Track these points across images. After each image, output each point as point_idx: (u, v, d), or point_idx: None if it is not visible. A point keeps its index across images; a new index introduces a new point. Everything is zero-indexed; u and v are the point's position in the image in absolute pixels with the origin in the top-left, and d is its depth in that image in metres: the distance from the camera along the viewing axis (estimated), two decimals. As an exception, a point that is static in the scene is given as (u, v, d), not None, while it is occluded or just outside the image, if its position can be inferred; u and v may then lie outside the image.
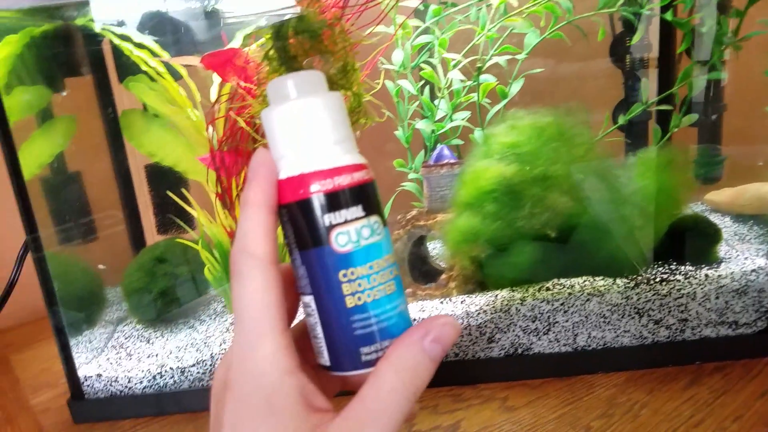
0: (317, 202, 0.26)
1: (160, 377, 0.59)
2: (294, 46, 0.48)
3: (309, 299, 0.27)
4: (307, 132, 0.26)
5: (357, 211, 0.26)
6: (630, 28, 0.65)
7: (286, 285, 0.27)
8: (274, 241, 0.26)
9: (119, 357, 0.62)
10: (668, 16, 0.58)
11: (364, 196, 0.26)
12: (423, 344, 0.25)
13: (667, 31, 0.65)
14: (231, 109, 0.57)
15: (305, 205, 0.26)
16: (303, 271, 0.27)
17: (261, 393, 0.24)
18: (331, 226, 0.26)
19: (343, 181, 0.26)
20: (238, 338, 0.25)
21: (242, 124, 0.49)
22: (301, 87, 0.27)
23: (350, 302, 0.26)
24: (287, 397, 0.24)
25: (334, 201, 0.26)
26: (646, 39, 0.67)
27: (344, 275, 0.26)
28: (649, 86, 0.63)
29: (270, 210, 0.26)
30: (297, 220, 0.26)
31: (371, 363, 0.26)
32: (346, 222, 0.26)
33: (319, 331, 0.27)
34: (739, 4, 0.59)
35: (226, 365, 0.26)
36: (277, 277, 0.25)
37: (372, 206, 0.27)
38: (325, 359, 0.27)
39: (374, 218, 0.27)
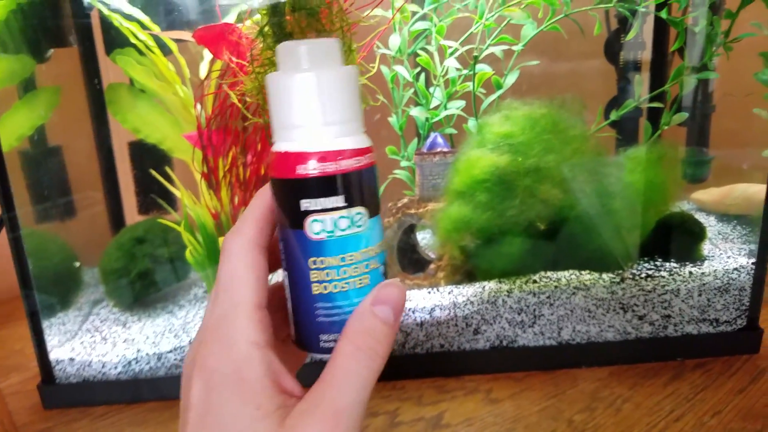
0: (295, 185, 0.25)
1: (136, 363, 0.57)
2: (290, 22, 0.47)
3: (284, 275, 0.27)
4: (302, 108, 0.25)
5: (337, 200, 0.25)
6: (625, 25, 0.65)
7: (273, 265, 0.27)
8: (265, 230, 0.27)
9: (94, 341, 0.60)
10: (663, 14, 0.58)
11: (348, 186, 0.25)
12: (372, 309, 0.25)
13: (661, 29, 0.66)
14: (222, 86, 0.56)
15: (285, 185, 0.25)
16: (281, 246, 0.27)
17: (230, 364, 0.24)
18: (307, 212, 0.25)
19: (327, 167, 0.24)
20: (211, 311, 0.25)
21: (234, 99, 0.48)
22: (313, 58, 0.25)
23: (316, 289, 0.26)
24: (255, 369, 0.24)
25: (313, 187, 0.25)
26: (640, 37, 0.67)
27: (314, 262, 0.25)
28: (642, 83, 0.63)
29: (269, 203, 0.27)
30: (279, 197, 0.26)
31: (329, 350, 0.26)
32: (323, 210, 0.25)
33: (289, 306, 0.27)
34: (732, 6, 0.59)
35: (197, 343, 0.26)
36: (261, 260, 0.26)
37: (357, 197, 0.25)
38: (292, 332, 0.28)
39: (357, 209, 0.25)
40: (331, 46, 0.25)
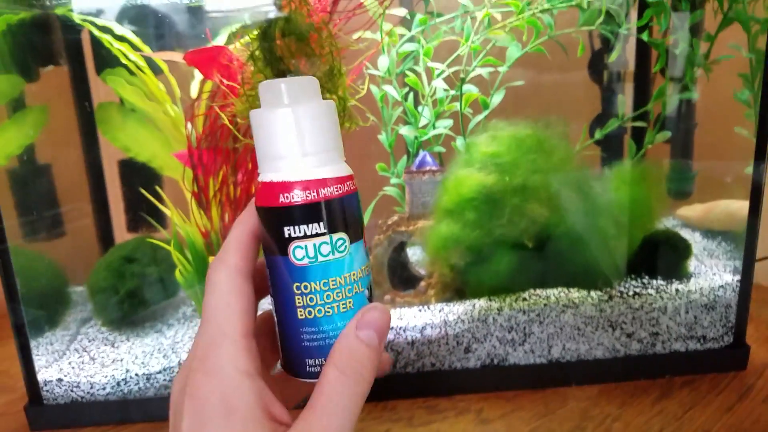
0: (279, 213, 0.26)
1: (125, 383, 0.56)
2: (280, 47, 0.48)
3: (271, 301, 0.28)
4: (283, 141, 0.26)
5: (318, 227, 0.26)
6: (608, 45, 0.67)
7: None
8: (249, 257, 0.27)
9: (82, 361, 0.60)
10: (644, 36, 0.60)
11: (329, 213, 0.26)
12: (355, 333, 0.26)
13: (643, 50, 0.67)
14: (213, 107, 0.56)
15: (270, 213, 0.26)
16: (268, 273, 0.27)
17: (219, 393, 0.24)
18: (290, 239, 0.26)
19: (307, 196, 0.25)
20: (200, 340, 0.26)
21: (225, 120, 0.48)
22: (291, 94, 0.26)
23: (301, 314, 0.26)
24: (245, 398, 0.24)
25: (295, 215, 0.26)
26: (623, 56, 0.69)
27: (297, 288, 0.26)
28: (625, 102, 0.64)
29: (251, 230, 0.27)
30: (265, 225, 0.27)
31: (314, 375, 0.27)
32: (305, 237, 0.26)
33: (277, 331, 0.28)
34: (711, 28, 0.61)
35: (185, 372, 0.26)
36: (246, 288, 0.26)
37: (338, 223, 0.26)
38: (281, 357, 0.29)
39: (338, 236, 0.26)
40: (309, 83, 0.27)
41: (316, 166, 0.26)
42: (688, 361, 0.59)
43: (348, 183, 0.27)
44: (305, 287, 0.26)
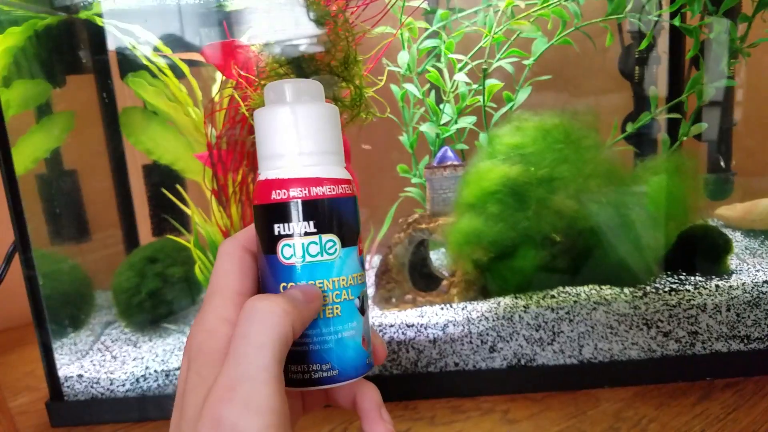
0: (270, 210, 0.25)
1: (144, 380, 0.56)
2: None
3: None
4: (281, 139, 0.26)
5: (307, 226, 0.25)
6: (639, 40, 0.64)
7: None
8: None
9: (103, 359, 0.60)
10: (676, 21, 0.57)
11: (320, 213, 0.25)
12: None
13: (676, 39, 0.64)
14: (231, 102, 0.56)
15: (262, 210, 0.26)
16: (260, 273, 0.27)
17: (199, 339, 0.25)
18: (279, 236, 0.25)
19: (299, 193, 0.25)
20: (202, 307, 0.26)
21: (244, 110, 0.48)
22: (294, 94, 0.26)
23: None
24: (216, 342, 0.24)
25: (285, 212, 0.25)
26: (655, 51, 0.66)
27: (284, 287, 0.25)
28: (657, 96, 0.62)
29: None
30: (258, 223, 0.26)
31: (295, 383, 0.25)
32: (294, 235, 0.25)
33: None
34: (747, 9, 0.58)
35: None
36: (247, 258, 0.27)
37: (329, 224, 0.25)
38: None
39: (328, 237, 0.25)
40: (314, 86, 0.27)
41: (311, 165, 0.26)
42: (731, 363, 0.55)
43: (344, 186, 0.26)
44: (291, 288, 0.25)
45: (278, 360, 0.22)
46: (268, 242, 0.25)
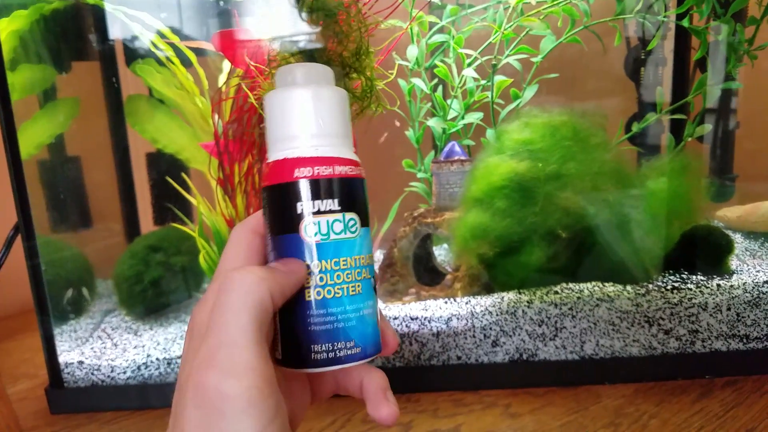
0: (293, 188, 0.25)
1: (145, 368, 0.56)
2: (308, 22, 0.47)
3: None
4: (299, 119, 0.26)
5: (332, 203, 0.25)
6: (645, 42, 0.65)
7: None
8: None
9: (104, 346, 0.59)
10: (685, 22, 0.58)
11: (343, 191, 0.26)
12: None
13: (682, 40, 0.65)
14: (239, 91, 0.56)
15: (282, 189, 0.26)
16: (272, 257, 0.26)
17: (199, 317, 0.25)
18: (302, 215, 0.25)
19: (323, 171, 0.25)
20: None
21: (252, 99, 0.48)
22: (306, 77, 0.27)
23: (309, 295, 0.25)
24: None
25: (310, 189, 0.25)
26: (661, 53, 0.67)
27: (308, 266, 0.25)
28: (663, 94, 0.62)
29: None
30: (273, 204, 0.26)
31: (320, 363, 0.25)
32: (318, 212, 0.25)
33: (276, 324, 0.26)
34: (755, 11, 0.58)
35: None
36: (256, 240, 0.27)
37: (351, 203, 0.26)
38: (278, 351, 0.26)
39: (350, 215, 0.26)
40: (325, 70, 0.27)
41: (331, 146, 0.26)
42: (730, 362, 0.56)
43: (358, 169, 0.27)
44: (316, 266, 0.25)
45: (256, 324, 0.22)
46: (289, 221, 0.25)
